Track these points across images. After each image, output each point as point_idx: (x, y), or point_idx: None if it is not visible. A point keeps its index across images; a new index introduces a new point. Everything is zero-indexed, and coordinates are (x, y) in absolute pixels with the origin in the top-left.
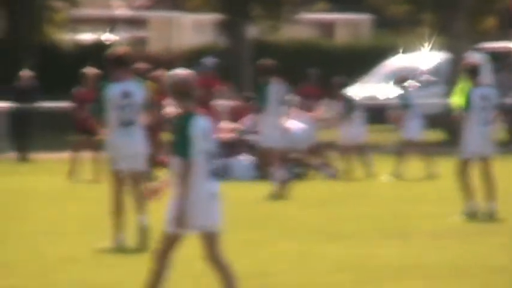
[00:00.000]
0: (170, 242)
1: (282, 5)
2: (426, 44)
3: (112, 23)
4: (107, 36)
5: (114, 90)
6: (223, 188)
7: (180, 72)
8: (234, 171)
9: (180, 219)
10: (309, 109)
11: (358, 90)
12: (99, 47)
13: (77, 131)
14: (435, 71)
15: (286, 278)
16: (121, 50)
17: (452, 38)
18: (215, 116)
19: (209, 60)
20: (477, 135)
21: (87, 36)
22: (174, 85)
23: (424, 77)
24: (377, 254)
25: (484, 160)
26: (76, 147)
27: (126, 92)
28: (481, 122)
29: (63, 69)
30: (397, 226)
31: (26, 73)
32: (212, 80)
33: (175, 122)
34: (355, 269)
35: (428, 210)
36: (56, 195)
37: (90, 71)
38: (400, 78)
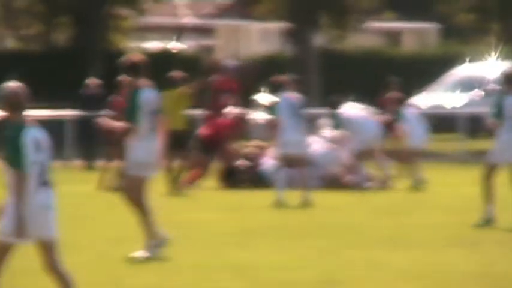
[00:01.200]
0: (3, 252)
1: (349, 13)
2: (493, 53)
3: (179, 31)
4: (174, 45)
5: (146, 96)
6: (288, 196)
7: (11, 84)
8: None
9: (19, 229)
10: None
11: (425, 99)
12: (166, 55)
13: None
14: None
15: (354, 286)
16: (135, 57)
17: None
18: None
19: (231, 63)
20: (507, 142)
21: (154, 45)
22: (4, 97)
23: (491, 86)
24: (444, 262)
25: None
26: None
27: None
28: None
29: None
30: (465, 234)
31: (92, 81)
32: (232, 83)
33: (6, 133)
34: (422, 278)
35: (496, 218)
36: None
37: (125, 78)
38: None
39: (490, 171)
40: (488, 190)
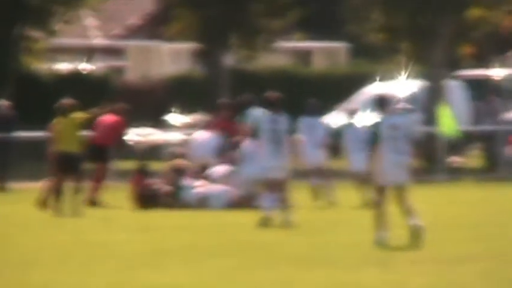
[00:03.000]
0: None
1: (259, 33)
2: (403, 72)
3: (89, 53)
4: (85, 66)
5: None
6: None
7: None
8: (211, 201)
9: None
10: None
11: (335, 118)
12: (76, 76)
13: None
14: (412, 99)
15: None
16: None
17: (429, 66)
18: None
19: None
20: (389, 163)
21: (64, 66)
22: None
23: (401, 105)
24: (357, 281)
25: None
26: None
27: None
28: (394, 151)
29: (41, 98)
30: (377, 253)
31: (3, 103)
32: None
33: None
34: None
35: (406, 236)
36: (33, 224)
37: (67, 101)
38: (351, 111)
39: (380, 194)
40: (380, 215)
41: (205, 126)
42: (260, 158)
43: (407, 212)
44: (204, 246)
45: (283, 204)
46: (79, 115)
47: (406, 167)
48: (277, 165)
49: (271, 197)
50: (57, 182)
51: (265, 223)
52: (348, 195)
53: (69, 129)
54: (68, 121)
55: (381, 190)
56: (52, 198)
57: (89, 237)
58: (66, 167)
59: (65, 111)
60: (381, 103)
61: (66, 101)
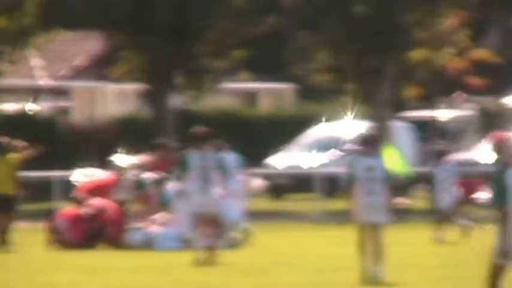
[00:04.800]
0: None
1: (205, 74)
2: (349, 113)
3: (35, 93)
4: (30, 106)
5: None
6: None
7: None
8: (158, 242)
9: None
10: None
11: (281, 159)
12: (22, 117)
13: None
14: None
15: None
16: None
17: (375, 106)
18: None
19: None
20: (365, 203)
21: (10, 106)
22: None
23: (347, 146)
24: None
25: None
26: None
27: None
28: (367, 192)
29: None
30: None
31: None
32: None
33: None
34: None
35: (351, 278)
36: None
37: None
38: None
39: (361, 232)
40: (362, 250)
41: (144, 167)
42: (189, 194)
43: (375, 254)
44: (151, 287)
45: (215, 240)
46: (15, 156)
47: (381, 207)
48: (206, 200)
49: (204, 234)
50: None
51: (198, 262)
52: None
53: (5, 170)
54: (4, 161)
55: (360, 228)
56: None
57: (35, 279)
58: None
59: (2, 151)
60: (365, 142)
61: (3, 139)
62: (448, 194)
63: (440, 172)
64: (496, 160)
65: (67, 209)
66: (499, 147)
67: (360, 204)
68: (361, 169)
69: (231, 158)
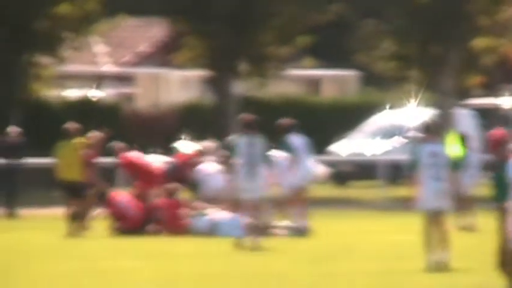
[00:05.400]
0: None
1: (269, 61)
2: (413, 101)
3: (99, 79)
4: (94, 93)
5: None
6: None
7: None
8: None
9: None
10: None
11: (345, 147)
12: (86, 104)
13: None
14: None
15: None
16: None
17: (439, 94)
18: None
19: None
20: (429, 189)
21: (73, 93)
22: None
23: (411, 134)
24: None
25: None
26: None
27: None
28: (432, 178)
29: (50, 125)
30: (388, 282)
31: (13, 129)
32: None
33: None
34: None
35: (416, 265)
36: (42, 251)
37: (71, 125)
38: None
39: (426, 219)
40: (427, 239)
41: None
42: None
43: (440, 241)
44: (214, 274)
45: (258, 227)
46: (81, 141)
47: (445, 193)
48: (252, 187)
49: (250, 220)
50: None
51: (239, 247)
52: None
53: (71, 156)
54: (70, 147)
55: (425, 216)
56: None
57: (98, 265)
58: (70, 193)
59: (69, 136)
60: (428, 130)
61: (70, 125)
62: None
63: None
64: (495, 156)
65: (124, 193)
66: (498, 144)
67: (424, 191)
68: (425, 155)
69: (299, 141)
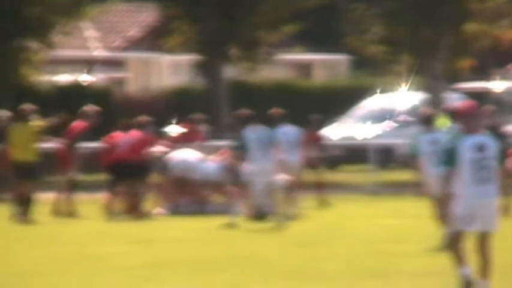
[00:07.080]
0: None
1: (259, 46)
2: (404, 85)
3: (89, 64)
4: (85, 77)
5: None
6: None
7: None
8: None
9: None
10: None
11: (335, 131)
12: (77, 88)
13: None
14: (413, 111)
15: None
16: None
17: (429, 78)
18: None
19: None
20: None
21: (64, 78)
22: None
23: (402, 117)
24: None
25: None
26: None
27: None
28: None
29: (41, 110)
30: (376, 266)
31: (3, 114)
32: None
33: None
34: None
35: (406, 249)
36: (30, 236)
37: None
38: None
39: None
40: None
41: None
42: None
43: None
44: (202, 259)
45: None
46: (37, 123)
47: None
48: (263, 170)
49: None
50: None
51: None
52: (351, 206)
53: (26, 137)
54: (26, 128)
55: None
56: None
57: (87, 250)
58: (20, 176)
59: (24, 118)
60: (427, 121)
61: (25, 107)
62: None
63: None
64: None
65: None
66: (467, 116)
67: (430, 177)
68: (425, 143)
69: (290, 131)
